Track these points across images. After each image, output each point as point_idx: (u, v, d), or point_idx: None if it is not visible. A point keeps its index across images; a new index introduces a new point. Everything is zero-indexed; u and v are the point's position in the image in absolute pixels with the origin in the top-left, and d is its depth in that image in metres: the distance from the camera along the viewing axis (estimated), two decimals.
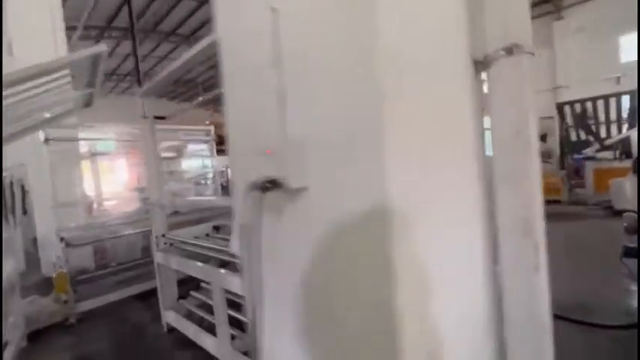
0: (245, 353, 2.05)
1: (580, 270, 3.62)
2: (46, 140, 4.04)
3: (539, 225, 0.80)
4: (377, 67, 0.46)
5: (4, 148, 2.64)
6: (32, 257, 5.20)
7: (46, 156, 4.17)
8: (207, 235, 3.16)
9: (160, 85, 2.66)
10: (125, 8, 7.24)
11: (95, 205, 6.14)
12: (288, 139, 0.55)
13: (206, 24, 10.56)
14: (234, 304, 2.17)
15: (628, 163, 5.71)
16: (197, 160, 7.97)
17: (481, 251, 0.84)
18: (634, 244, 2.48)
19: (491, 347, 0.88)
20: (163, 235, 2.95)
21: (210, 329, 2.32)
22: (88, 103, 3.16)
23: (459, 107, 0.79)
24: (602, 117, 7.73)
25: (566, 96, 10.53)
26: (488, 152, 0.85)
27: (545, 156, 8.63)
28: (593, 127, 7.78)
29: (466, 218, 0.80)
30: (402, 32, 0.53)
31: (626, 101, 7.59)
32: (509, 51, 0.78)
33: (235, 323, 2.19)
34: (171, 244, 2.91)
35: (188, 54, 2.05)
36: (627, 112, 7.60)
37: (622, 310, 2.61)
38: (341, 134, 0.50)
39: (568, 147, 7.87)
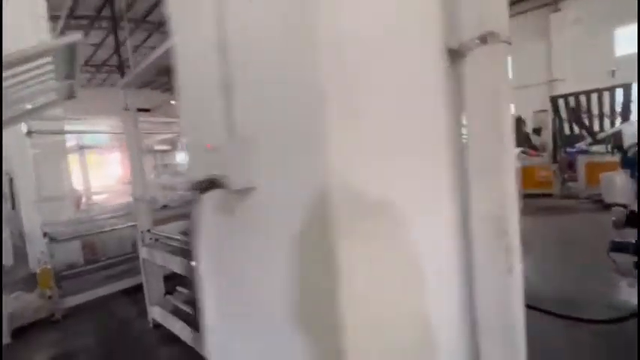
0: None
1: (568, 264, 3.64)
2: (29, 133, 3.94)
3: (514, 224, 0.76)
4: (317, 57, 0.41)
5: None
6: (21, 251, 5.13)
7: (29, 149, 4.07)
8: None
9: (143, 75, 2.58)
10: None
11: (84, 199, 6.07)
12: (234, 135, 0.51)
13: None
14: None
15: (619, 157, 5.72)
16: None
17: (453, 250, 0.80)
18: (621, 239, 2.48)
19: (465, 350, 0.85)
20: (149, 231, 2.90)
21: (197, 325, 2.29)
22: (70, 94, 3.07)
23: (430, 98, 0.74)
24: (595, 110, 7.72)
25: (561, 89, 10.51)
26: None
27: (539, 149, 8.63)
28: (586, 121, 7.78)
29: (437, 215, 0.76)
30: (353, 18, 0.48)
31: (619, 95, 7.58)
32: (484, 40, 0.73)
33: None
34: (156, 240, 2.86)
35: (169, 43, 1.98)
36: (620, 105, 7.60)
37: (607, 305, 2.62)
38: (287, 129, 0.45)
39: (561, 140, 7.87)
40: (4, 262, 4.34)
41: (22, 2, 4.33)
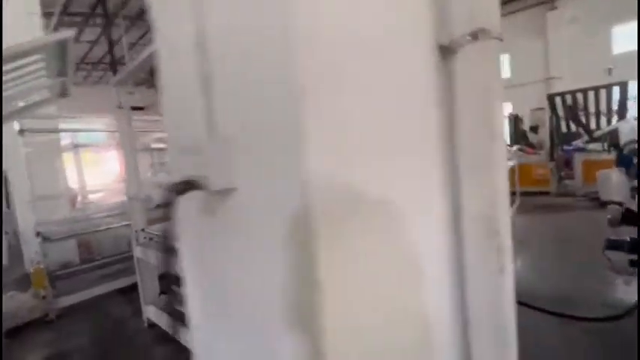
0: None
1: (564, 262, 3.65)
2: (21, 131, 3.90)
3: (505, 224, 0.75)
4: (293, 53, 0.39)
5: None
6: (16, 251, 5.10)
7: (22, 148, 4.02)
8: None
9: (135, 73, 2.55)
10: None
11: (80, 198, 6.02)
12: (215, 134, 0.49)
13: None
14: None
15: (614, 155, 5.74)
16: None
17: (445, 250, 0.79)
18: (616, 237, 2.48)
19: (457, 349, 0.84)
20: (143, 230, 2.88)
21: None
22: (63, 92, 3.03)
23: (420, 95, 0.73)
24: (592, 108, 7.74)
25: (559, 87, 10.55)
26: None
27: (537, 147, 8.66)
28: (583, 119, 7.80)
29: (428, 215, 0.75)
30: (334, 13, 0.46)
31: (616, 93, 7.59)
32: (475, 36, 0.71)
33: None
34: (150, 239, 2.84)
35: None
36: (617, 103, 7.62)
37: (602, 303, 2.62)
38: (266, 128, 0.44)
39: (558, 138, 7.89)
40: None
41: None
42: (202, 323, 0.66)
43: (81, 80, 14.29)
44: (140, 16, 10.19)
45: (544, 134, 8.51)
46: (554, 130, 7.98)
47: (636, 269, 2.36)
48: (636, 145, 2.59)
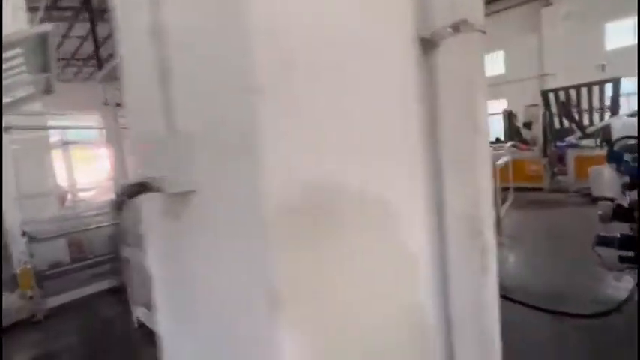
0: None
1: (555, 258, 3.66)
2: (7, 128, 3.80)
3: (488, 223, 0.73)
4: (249, 45, 0.36)
5: None
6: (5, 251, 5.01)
7: (7, 145, 3.93)
8: None
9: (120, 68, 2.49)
10: None
11: (70, 196, 5.93)
12: (174, 131, 0.46)
13: None
14: None
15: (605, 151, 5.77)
16: None
17: (427, 249, 0.76)
18: (607, 233, 2.48)
19: (441, 349, 0.82)
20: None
21: None
22: (47, 89, 2.96)
23: (400, 90, 0.70)
24: (585, 105, 7.77)
25: (552, 83, 10.58)
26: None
27: (530, 143, 8.68)
28: (576, 115, 7.83)
29: (410, 215, 0.72)
30: (297, 2, 0.42)
31: (608, 89, 7.63)
32: (457, 28, 0.68)
33: None
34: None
35: None
36: (610, 100, 7.66)
37: (592, 299, 2.64)
38: (226, 125, 0.40)
39: (552, 135, 7.92)
40: None
41: None
42: (170, 323, 0.63)
43: (71, 77, 14.06)
44: None
45: (537, 130, 8.53)
46: (548, 127, 8.01)
47: (625, 265, 2.37)
48: (628, 142, 2.59)
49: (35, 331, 2.98)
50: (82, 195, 6.48)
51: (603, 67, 10.60)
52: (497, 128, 12.75)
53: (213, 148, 0.43)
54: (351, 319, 0.60)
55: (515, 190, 6.66)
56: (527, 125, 9.55)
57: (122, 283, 3.19)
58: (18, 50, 2.07)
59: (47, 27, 1.87)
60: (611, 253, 2.50)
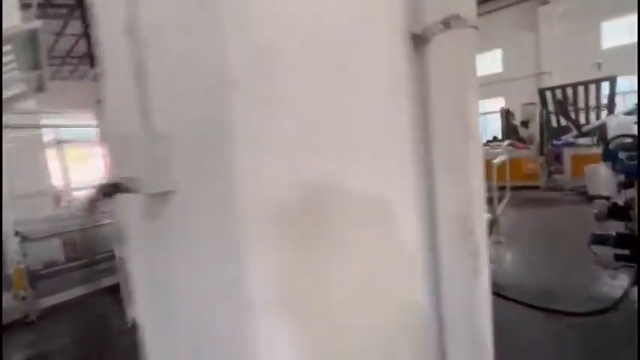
0: None
1: (551, 256, 3.67)
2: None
3: (480, 224, 0.71)
4: (227, 40, 0.34)
5: None
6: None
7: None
8: None
9: None
10: None
11: (65, 195, 5.89)
12: (150, 129, 0.44)
13: None
14: None
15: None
16: None
17: (419, 250, 0.75)
18: (602, 232, 2.48)
19: (433, 350, 0.81)
20: None
21: None
22: (40, 87, 2.92)
23: (391, 87, 0.68)
24: (581, 103, 7.78)
25: (549, 82, 10.60)
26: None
27: (527, 142, 8.69)
28: (573, 114, 7.84)
29: (399, 214, 0.71)
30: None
31: (605, 88, 7.64)
32: (448, 24, 0.67)
33: None
34: None
35: None
36: (606, 98, 7.67)
37: (587, 297, 2.64)
38: (202, 122, 0.39)
39: (548, 133, 7.93)
40: None
41: None
42: (152, 323, 0.62)
43: (67, 75, 13.95)
44: None
45: (534, 129, 8.54)
46: (544, 125, 8.02)
47: (621, 263, 2.37)
48: (623, 140, 2.58)
49: (28, 331, 2.95)
50: (77, 194, 6.44)
51: (600, 65, 10.63)
52: (494, 127, 12.77)
53: (190, 146, 0.41)
54: (342, 319, 0.59)
55: (512, 188, 6.66)
56: (525, 124, 9.57)
57: (117, 282, 3.16)
58: (8, 47, 2.03)
59: (36, 23, 1.84)
60: (607, 252, 2.50)
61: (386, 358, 0.70)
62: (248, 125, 0.36)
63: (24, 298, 3.01)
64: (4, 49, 2.12)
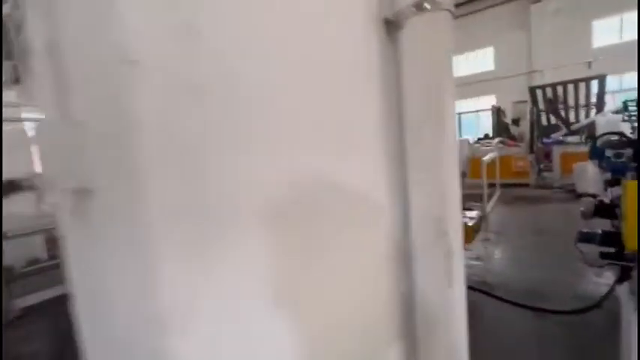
0: None
1: (538, 254, 3.68)
2: None
3: (455, 225, 0.67)
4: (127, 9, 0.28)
5: None
6: None
7: None
8: None
9: None
10: None
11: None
12: (65, 117, 0.38)
13: None
14: None
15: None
16: None
17: (390, 252, 0.70)
18: (589, 229, 2.47)
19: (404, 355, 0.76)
20: None
21: None
22: (16, 78, 2.81)
23: (359, 79, 0.62)
24: (571, 101, 7.84)
25: (540, 80, 10.68)
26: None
27: (518, 139, 8.76)
28: (563, 112, 7.91)
29: (365, 215, 0.65)
30: None
31: (594, 86, 7.71)
32: (420, 6, 0.61)
33: None
34: None
35: None
36: (595, 97, 7.74)
37: (573, 295, 2.64)
38: (109, 109, 0.33)
39: (539, 131, 7.99)
40: None
41: None
42: (88, 330, 0.56)
43: None
44: None
45: (525, 126, 8.61)
46: (535, 123, 8.08)
47: (606, 261, 2.36)
48: (610, 138, 2.57)
49: (5, 332, 2.85)
50: None
51: (590, 64, 10.74)
52: (486, 124, 12.84)
53: (104, 136, 0.35)
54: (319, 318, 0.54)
55: (502, 185, 6.71)
56: (516, 121, 9.64)
57: None
58: None
59: (4, 9, 1.74)
60: (593, 249, 2.50)
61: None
62: (161, 115, 0.31)
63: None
64: None
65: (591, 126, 6.78)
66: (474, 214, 3.16)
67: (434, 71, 0.64)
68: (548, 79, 10.01)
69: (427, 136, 0.65)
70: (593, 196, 2.96)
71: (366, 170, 0.66)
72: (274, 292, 0.51)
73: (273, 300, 0.50)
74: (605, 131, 3.52)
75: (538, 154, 7.79)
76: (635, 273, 2.00)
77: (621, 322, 1.99)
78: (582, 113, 7.80)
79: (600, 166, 2.51)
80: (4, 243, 3.38)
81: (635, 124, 5.50)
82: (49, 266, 4.12)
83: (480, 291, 2.73)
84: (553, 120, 8.04)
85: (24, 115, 4.94)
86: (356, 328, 0.64)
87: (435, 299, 0.68)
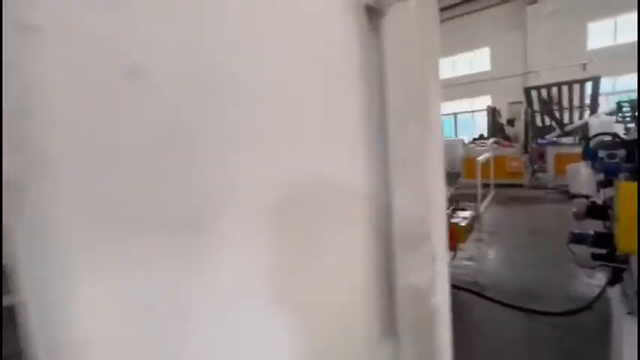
0: None
1: (531, 254, 3.68)
2: None
3: (439, 228, 0.63)
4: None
5: None
6: None
7: None
8: None
9: None
10: None
11: None
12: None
13: None
14: None
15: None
16: None
17: (371, 258, 0.66)
18: (580, 230, 2.46)
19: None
20: None
21: None
22: None
23: (338, 71, 0.58)
24: (566, 102, 7.88)
25: (536, 81, 10.72)
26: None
27: (513, 140, 8.78)
28: (557, 113, 7.94)
29: (344, 216, 0.61)
30: None
31: (588, 88, 7.75)
32: None
33: None
34: None
35: None
36: (589, 98, 7.78)
37: (565, 296, 2.63)
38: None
39: (533, 132, 8.02)
40: None
41: None
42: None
43: None
44: None
45: (520, 127, 8.63)
46: (529, 124, 8.10)
47: (598, 263, 2.35)
48: (603, 138, 2.56)
49: None
50: None
51: (584, 66, 10.79)
52: (481, 125, 12.86)
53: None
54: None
55: (496, 186, 6.72)
56: (511, 122, 9.66)
57: None
58: None
59: None
60: (585, 251, 2.48)
61: None
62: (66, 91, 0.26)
63: None
64: None
65: (585, 127, 6.81)
66: (467, 214, 3.14)
67: (417, 61, 0.60)
68: (544, 80, 10.05)
69: (410, 130, 0.61)
70: (586, 197, 2.96)
71: (347, 166, 0.62)
72: (273, 292, 0.47)
73: (273, 300, 0.47)
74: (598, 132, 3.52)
75: (532, 155, 7.82)
76: (627, 275, 1.99)
77: (612, 324, 1.98)
78: (576, 114, 7.84)
79: (593, 167, 2.50)
80: None
81: (629, 126, 5.52)
82: None
83: (471, 292, 2.71)
84: (547, 121, 8.08)
85: None
86: (345, 328, 0.60)
87: (418, 303, 0.64)
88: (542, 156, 7.64)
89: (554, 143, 7.39)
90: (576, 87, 7.74)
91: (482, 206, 5.44)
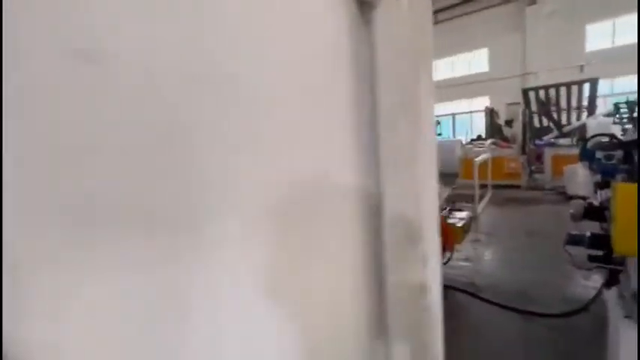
0: None
1: (528, 255, 3.69)
2: None
3: (431, 229, 0.63)
4: None
5: None
6: None
7: None
8: None
9: None
10: None
11: None
12: None
13: None
14: None
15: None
16: None
17: (361, 260, 0.66)
18: (577, 232, 2.47)
19: None
20: None
21: None
22: None
23: (328, 67, 0.58)
24: (563, 104, 7.91)
25: (534, 82, 10.76)
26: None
27: (510, 141, 8.81)
28: (555, 114, 7.97)
29: (338, 215, 0.61)
30: None
31: (586, 90, 7.79)
32: None
33: None
34: None
35: None
36: (587, 99, 7.82)
37: (562, 298, 2.64)
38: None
39: (531, 133, 8.04)
40: None
41: None
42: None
43: None
44: None
45: (518, 128, 8.66)
46: (527, 125, 8.13)
47: (594, 264, 2.37)
48: (600, 139, 2.58)
49: None
50: None
51: (582, 67, 10.85)
52: (479, 125, 12.90)
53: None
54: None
55: (494, 187, 6.74)
56: (509, 123, 9.70)
57: None
58: None
59: None
60: (581, 252, 2.50)
61: None
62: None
63: None
64: None
65: (582, 128, 6.84)
66: (464, 214, 3.15)
67: (410, 57, 0.59)
68: (542, 81, 10.08)
69: (401, 129, 0.60)
70: (583, 198, 2.97)
71: (340, 165, 0.62)
72: (273, 292, 0.47)
73: (273, 300, 0.47)
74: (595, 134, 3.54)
75: (530, 156, 7.85)
76: (623, 277, 2.00)
77: (608, 326, 1.99)
78: (574, 116, 7.87)
79: (591, 168, 2.51)
80: None
81: (626, 127, 5.55)
82: None
83: (467, 293, 2.72)
84: (545, 122, 8.10)
85: None
86: (336, 328, 0.61)
87: (410, 303, 0.64)
88: (539, 157, 7.67)
89: (551, 144, 7.42)
90: (574, 88, 7.78)
91: (480, 207, 5.46)
